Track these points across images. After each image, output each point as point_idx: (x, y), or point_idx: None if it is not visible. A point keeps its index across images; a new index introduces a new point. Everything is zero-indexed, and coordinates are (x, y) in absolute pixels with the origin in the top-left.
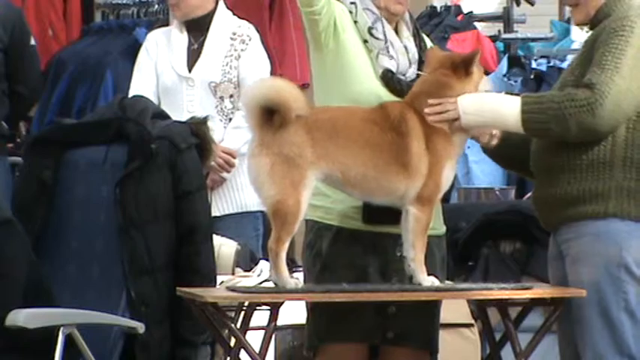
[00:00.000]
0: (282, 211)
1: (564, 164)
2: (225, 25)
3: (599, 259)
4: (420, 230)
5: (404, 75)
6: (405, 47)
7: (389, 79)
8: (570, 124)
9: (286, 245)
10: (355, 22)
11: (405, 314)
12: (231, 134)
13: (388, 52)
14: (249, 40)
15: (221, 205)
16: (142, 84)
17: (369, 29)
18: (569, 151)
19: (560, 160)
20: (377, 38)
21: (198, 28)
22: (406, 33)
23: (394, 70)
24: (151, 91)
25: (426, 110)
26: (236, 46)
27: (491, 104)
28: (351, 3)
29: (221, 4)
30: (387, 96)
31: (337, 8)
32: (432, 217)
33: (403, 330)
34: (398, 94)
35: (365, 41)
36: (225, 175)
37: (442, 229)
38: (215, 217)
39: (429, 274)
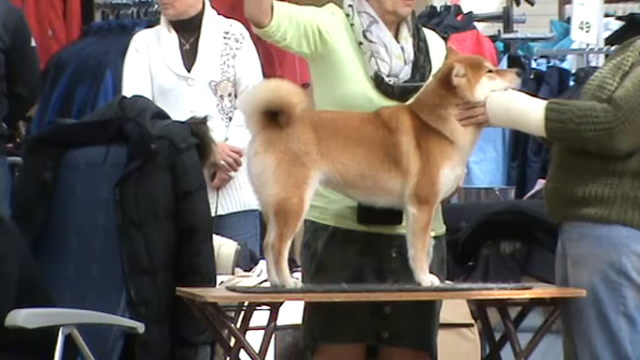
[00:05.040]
0: (285, 210)
1: (577, 163)
2: (216, 24)
3: (598, 262)
4: (418, 230)
5: (397, 76)
6: (402, 48)
7: (379, 81)
8: (588, 145)
9: (289, 244)
10: (352, 24)
11: (400, 314)
12: (236, 133)
13: (380, 54)
14: (243, 38)
15: (225, 203)
16: (136, 85)
17: (364, 32)
18: (585, 153)
19: (575, 158)
20: (371, 41)
21: (187, 28)
22: (405, 34)
23: (385, 72)
24: (147, 92)
25: (456, 114)
26: (231, 44)
27: (518, 111)
28: (349, 6)
29: (207, 3)
30: (377, 98)
31: (320, 15)
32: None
33: (398, 330)
34: (389, 96)
35: (360, 43)
36: (232, 173)
37: (441, 229)
38: (219, 216)
39: None
